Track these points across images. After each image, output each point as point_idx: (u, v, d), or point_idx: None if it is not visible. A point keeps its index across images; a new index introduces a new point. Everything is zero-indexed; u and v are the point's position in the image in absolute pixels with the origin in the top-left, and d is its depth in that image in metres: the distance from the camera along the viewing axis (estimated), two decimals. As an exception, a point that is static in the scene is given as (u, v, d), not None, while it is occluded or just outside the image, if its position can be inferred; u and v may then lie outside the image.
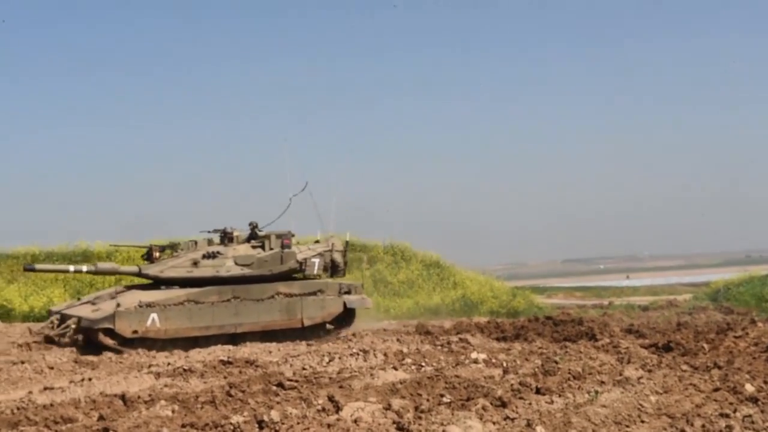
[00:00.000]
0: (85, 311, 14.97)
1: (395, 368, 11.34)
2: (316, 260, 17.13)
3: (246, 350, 14.26)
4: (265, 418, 7.70)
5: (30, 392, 9.95)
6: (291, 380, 10.34)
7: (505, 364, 11.80)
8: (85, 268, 16.51)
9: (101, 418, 8.32)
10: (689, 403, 8.98)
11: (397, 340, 15.02)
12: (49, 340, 14.95)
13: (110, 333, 14.60)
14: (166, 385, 10.37)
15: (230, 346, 14.94)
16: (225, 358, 12.55)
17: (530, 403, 8.72)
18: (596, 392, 9.29)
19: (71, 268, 16.49)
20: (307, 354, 12.95)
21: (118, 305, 14.79)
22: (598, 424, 7.96)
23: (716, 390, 9.58)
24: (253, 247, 16.78)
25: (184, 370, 11.48)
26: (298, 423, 7.67)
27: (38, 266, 16.93)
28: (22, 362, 12.70)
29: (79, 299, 16.51)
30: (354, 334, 16.44)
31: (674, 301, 31.57)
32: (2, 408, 8.84)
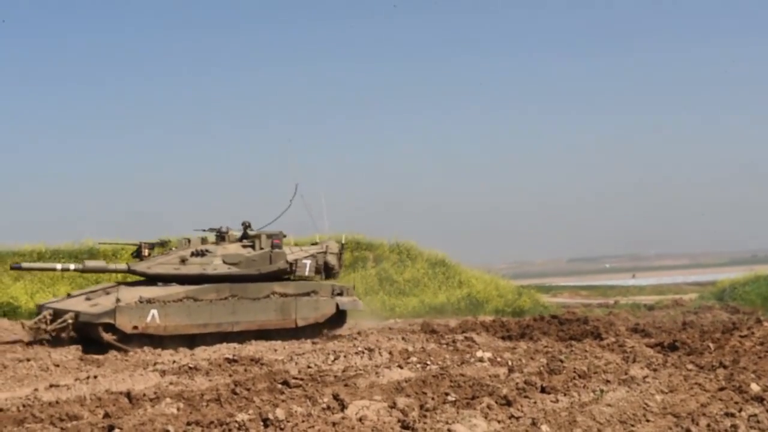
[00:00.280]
0: (83, 306, 14.88)
1: (400, 367, 11.34)
2: (308, 261, 17.09)
3: (251, 348, 14.29)
4: (270, 416, 7.71)
5: (36, 389, 9.97)
6: (296, 378, 10.34)
7: (510, 363, 11.79)
8: (72, 266, 16.49)
9: (107, 415, 8.33)
10: (694, 402, 8.96)
11: (403, 338, 15.02)
12: (40, 335, 14.83)
13: (110, 328, 14.54)
14: (171, 383, 10.39)
15: (235, 344, 14.96)
16: (230, 356, 12.57)
17: (535, 402, 8.72)
18: (601, 391, 9.28)
19: (58, 266, 16.43)
20: (313, 352, 12.96)
21: (118, 300, 14.74)
22: (603, 423, 7.95)
23: (722, 389, 9.55)
24: (244, 246, 16.77)
25: (190, 368, 11.49)
26: (303, 421, 7.68)
27: (25, 265, 16.90)
28: (28, 360, 12.73)
29: (69, 295, 16.46)
30: (359, 333, 16.46)
31: (680, 300, 31.51)
32: (8, 405, 8.85)
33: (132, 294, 15.08)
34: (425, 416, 7.99)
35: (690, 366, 11.41)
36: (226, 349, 14.14)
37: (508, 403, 8.56)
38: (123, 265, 16.81)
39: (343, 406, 8.38)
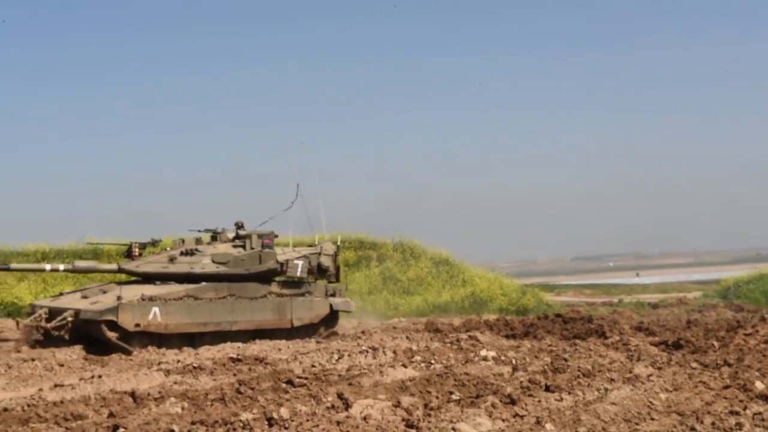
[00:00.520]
0: (82, 304, 14.82)
1: (404, 366, 11.35)
2: (299, 262, 17.01)
3: (255, 348, 14.29)
4: (275, 415, 7.71)
5: (40, 389, 9.98)
6: (300, 377, 10.34)
7: (514, 362, 11.79)
8: (62, 266, 16.50)
9: (111, 415, 8.34)
10: (699, 400, 8.95)
11: (407, 337, 15.02)
12: (34, 334, 14.74)
13: (112, 326, 14.48)
14: (175, 383, 10.40)
15: (239, 343, 14.96)
16: (234, 356, 12.58)
17: (539, 401, 8.72)
18: (606, 390, 9.28)
19: (47, 266, 16.45)
20: (317, 351, 12.96)
21: (119, 298, 14.69)
22: (607, 422, 7.94)
23: (726, 387, 9.54)
24: (235, 246, 16.75)
25: (194, 367, 11.50)
26: (307, 420, 7.68)
27: (13, 266, 16.90)
28: (33, 359, 12.74)
29: (61, 294, 16.39)
30: (363, 332, 16.45)
31: (684, 298, 31.44)
32: (13, 405, 8.87)
33: (133, 292, 15.08)
34: (429, 415, 7.99)
35: (694, 364, 11.40)
36: (230, 349, 14.14)
37: (513, 402, 8.56)
38: (113, 265, 16.82)
39: (347, 406, 8.38)
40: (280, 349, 14.06)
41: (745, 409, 8.23)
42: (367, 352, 12.63)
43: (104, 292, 15.23)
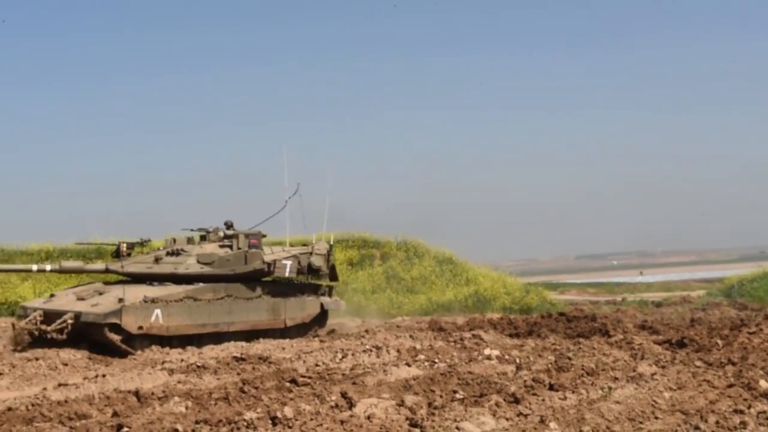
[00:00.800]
0: (81, 306, 14.50)
1: (408, 365, 11.34)
2: (288, 262, 16.75)
3: (259, 347, 14.29)
4: (279, 414, 7.72)
5: (44, 389, 10.00)
6: (304, 377, 10.35)
7: (518, 361, 11.79)
8: (49, 267, 16.30)
9: (115, 414, 8.35)
10: (703, 399, 8.94)
11: (410, 336, 15.02)
12: (26, 337, 14.42)
13: (115, 328, 14.21)
14: (179, 382, 10.41)
15: (243, 343, 14.95)
16: (238, 355, 12.58)
17: (543, 400, 8.72)
18: (610, 388, 9.27)
19: (34, 267, 16.25)
20: (320, 350, 12.97)
21: (121, 300, 14.37)
22: (611, 421, 7.94)
23: (730, 386, 9.53)
24: (222, 246, 16.56)
25: (198, 366, 11.50)
26: (311, 419, 7.69)
27: (0, 267, 16.89)
28: (37, 359, 12.74)
29: (52, 295, 16.05)
30: (367, 331, 16.44)
31: (688, 297, 31.42)
32: (17, 404, 8.88)
33: (136, 293, 14.92)
34: (433, 414, 7.99)
35: (698, 363, 11.38)
36: (233, 348, 14.15)
37: (516, 401, 8.55)
38: (101, 265, 16.69)
39: (351, 405, 8.39)
40: (283, 348, 14.06)
41: (749, 407, 8.22)
42: (371, 351, 12.63)
43: (100, 293, 14.98)
